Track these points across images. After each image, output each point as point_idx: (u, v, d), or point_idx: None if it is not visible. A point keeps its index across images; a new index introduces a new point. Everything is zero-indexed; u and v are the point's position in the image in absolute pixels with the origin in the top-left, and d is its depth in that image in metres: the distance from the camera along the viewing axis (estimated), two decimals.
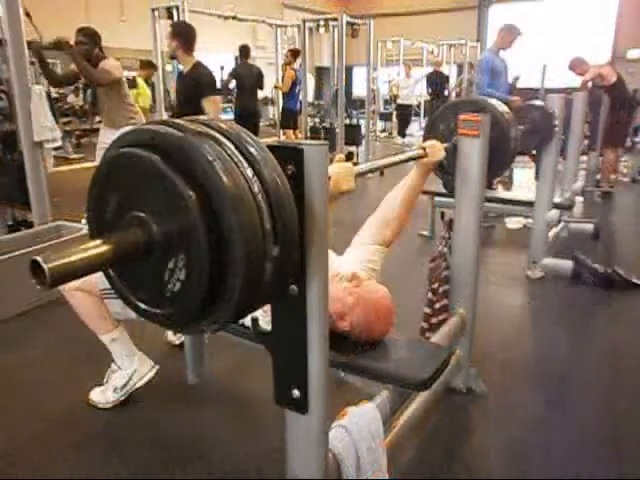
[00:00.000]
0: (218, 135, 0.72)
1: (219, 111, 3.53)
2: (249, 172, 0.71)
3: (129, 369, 1.87)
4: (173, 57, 3.65)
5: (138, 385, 1.89)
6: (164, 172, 0.69)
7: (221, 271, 0.70)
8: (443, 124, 1.90)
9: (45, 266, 0.61)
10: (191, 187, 0.68)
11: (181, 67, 3.74)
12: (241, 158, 0.72)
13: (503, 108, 1.92)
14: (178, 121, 0.75)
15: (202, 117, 0.78)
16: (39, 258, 0.61)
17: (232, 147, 0.72)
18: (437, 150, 1.68)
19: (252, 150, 0.73)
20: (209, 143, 0.70)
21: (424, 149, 1.67)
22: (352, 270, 1.54)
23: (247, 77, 6.20)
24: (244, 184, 0.69)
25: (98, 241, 0.69)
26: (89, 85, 3.80)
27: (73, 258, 0.65)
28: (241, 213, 0.68)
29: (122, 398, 1.88)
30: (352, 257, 1.69)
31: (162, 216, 0.71)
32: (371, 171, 1.39)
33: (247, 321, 0.98)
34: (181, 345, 2.18)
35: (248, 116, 5.94)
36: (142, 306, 0.80)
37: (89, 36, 3.62)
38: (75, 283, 1.69)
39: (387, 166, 1.55)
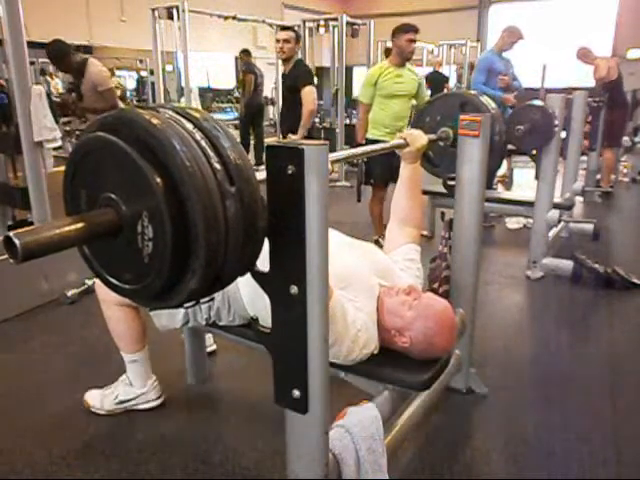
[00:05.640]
0: (186, 122, 0.76)
1: (315, 100, 3.90)
2: (212, 154, 0.75)
3: (139, 390, 1.84)
4: (287, 59, 3.93)
5: (139, 407, 1.86)
6: (132, 156, 0.72)
7: (185, 250, 0.74)
8: (429, 117, 1.96)
9: (17, 241, 0.63)
10: (157, 171, 0.71)
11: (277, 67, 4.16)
12: (207, 144, 0.75)
13: (487, 101, 1.93)
14: (148, 107, 0.79)
15: (176, 104, 0.83)
16: (11, 234, 0.64)
17: (200, 134, 0.75)
18: (417, 137, 1.66)
19: (219, 136, 0.77)
20: (177, 130, 0.73)
21: (405, 139, 1.66)
22: (407, 282, 1.48)
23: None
24: (207, 168, 0.73)
25: (70, 219, 0.73)
26: (74, 85, 3.78)
27: (45, 234, 0.67)
28: (202, 193, 0.71)
29: (118, 412, 1.85)
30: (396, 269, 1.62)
31: (131, 198, 0.75)
32: (349, 158, 1.37)
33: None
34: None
35: (260, 112, 7.22)
36: (114, 282, 0.84)
37: (57, 53, 3.58)
38: (116, 297, 1.53)
39: (366, 154, 1.61)
